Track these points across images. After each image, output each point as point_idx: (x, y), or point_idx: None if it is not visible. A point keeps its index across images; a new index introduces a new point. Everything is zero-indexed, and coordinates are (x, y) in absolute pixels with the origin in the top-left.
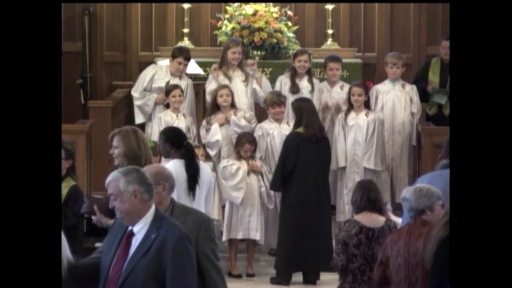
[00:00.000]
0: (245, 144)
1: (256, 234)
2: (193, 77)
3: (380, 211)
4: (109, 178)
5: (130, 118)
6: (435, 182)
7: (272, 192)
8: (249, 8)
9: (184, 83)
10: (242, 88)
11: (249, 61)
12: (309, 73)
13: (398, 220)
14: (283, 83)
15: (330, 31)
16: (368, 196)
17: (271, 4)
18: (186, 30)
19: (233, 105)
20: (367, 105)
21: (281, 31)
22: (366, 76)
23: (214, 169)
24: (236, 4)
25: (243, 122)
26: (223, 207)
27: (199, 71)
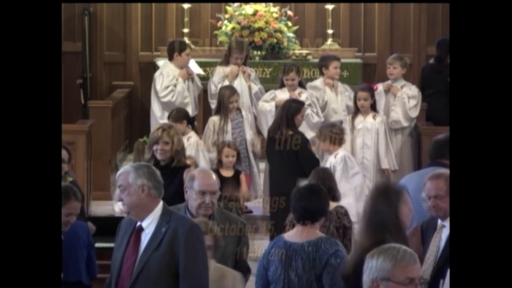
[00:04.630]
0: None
1: None
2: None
3: (334, 198)
4: (120, 170)
5: (130, 118)
6: (412, 180)
7: None
8: (249, 8)
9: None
10: (246, 89)
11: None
12: (301, 85)
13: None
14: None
15: (330, 31)
16: (322, 184)
17: (271, 4)
18: (186, 30)
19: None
20: (373, 108)
21: (281, 31)
22: (366, 76)
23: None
24: (236, 4)
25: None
26: None
27: (199, 71)
